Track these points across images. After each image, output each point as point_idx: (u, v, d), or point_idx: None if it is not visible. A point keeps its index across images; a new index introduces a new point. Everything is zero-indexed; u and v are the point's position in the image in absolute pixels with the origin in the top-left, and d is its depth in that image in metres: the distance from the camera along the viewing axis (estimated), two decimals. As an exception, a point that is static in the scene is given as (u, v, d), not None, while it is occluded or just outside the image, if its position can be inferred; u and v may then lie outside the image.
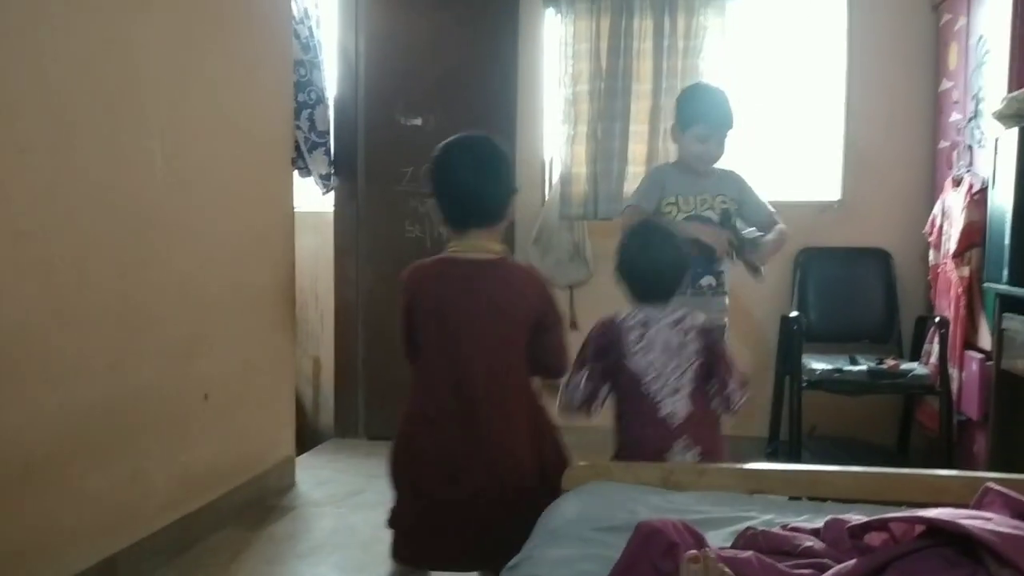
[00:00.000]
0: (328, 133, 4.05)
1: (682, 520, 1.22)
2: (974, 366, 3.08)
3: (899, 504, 1.48)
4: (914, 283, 3.76)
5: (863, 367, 3.29)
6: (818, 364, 3.33)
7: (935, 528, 1.05)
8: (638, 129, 3.82)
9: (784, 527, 1.30)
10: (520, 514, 1.67)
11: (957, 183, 3.29)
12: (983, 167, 3.05)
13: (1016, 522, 1.08)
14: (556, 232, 4.02)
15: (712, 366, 1.91)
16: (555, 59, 3.96)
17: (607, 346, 1.93)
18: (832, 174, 3.94)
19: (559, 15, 3.93)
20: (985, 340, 3.02)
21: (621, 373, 1.92)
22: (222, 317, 2.92)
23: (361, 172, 4.13)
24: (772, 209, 2.71)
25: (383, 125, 4.08)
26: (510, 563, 1.34)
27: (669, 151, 3.42)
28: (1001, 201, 2.70)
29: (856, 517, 1.22)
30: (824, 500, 1.60)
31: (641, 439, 1.90)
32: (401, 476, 1.85)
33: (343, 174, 4.13)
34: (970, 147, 3.24)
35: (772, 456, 3.62)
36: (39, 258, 2.12)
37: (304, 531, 2.97)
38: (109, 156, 2.36)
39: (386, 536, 1.88)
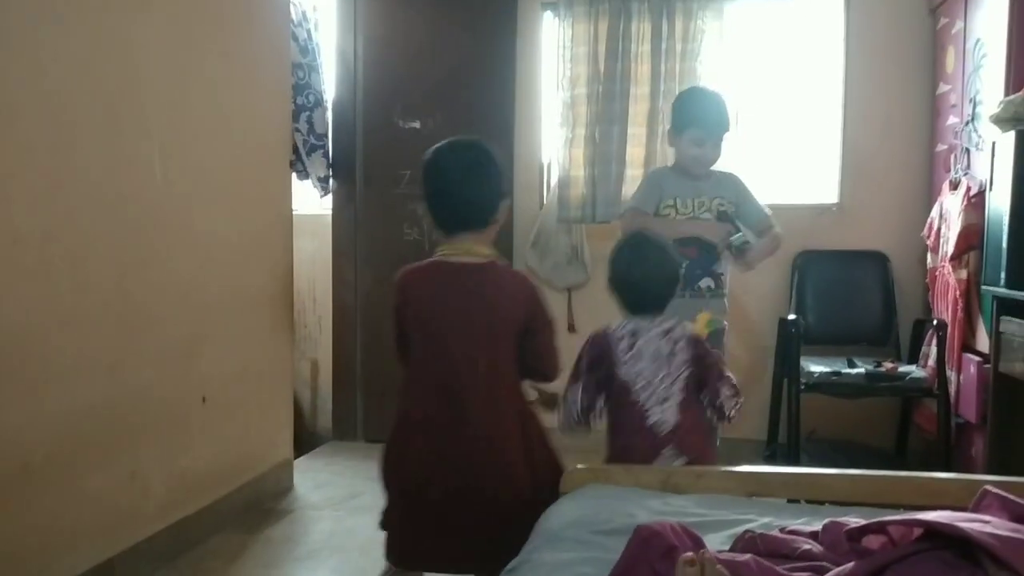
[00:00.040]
0: (326, 136, 4.05)
1: (681, 523, 1.22)
2: (972, 369, 3.08)
3: (897, 507, 1.48)
4: (912, 286, 3.76)
5: (861, 370, 3.29)
6: (816, 367, 3.33)
7: (933, 531, 1.06)
8: (636, 132, 3.83)
9: (782, 530, 1.30)
10: (511, 518, 1.68)
11: (955, 186, 3.30)
12: (980, 170, 3.05)
13: (1014, 525, 1.08)
14: (554, 235, 4.03)
15: (702, 376, 1.92)
16: (553, 62, 3.96)
17: (600, 357, 1.95)
18: (830, 177, 3.94)
19: (557, 18, 3.94)
20: (983, 343, 3.02)
21: (613, 382, 1.94)
22: (221, 319, 2.92)
23: (359, 175, 4.13)
24: (768, 213, 2.72)
25: (381, 128, 4.08)
26: (508, 566, 1.34)
27: (667, 154, 3.43)
28: (999, 204, 2.71)
29: (854, 520, 1.22)
30: (822, 503, 1.61)
31: (629, 446, 1.91)
32: (390, 477, 1.87)
33: (341, 177, 4.13)
34: (967, 150, 3.24)
35: (770, 459, 3.61)
36: (38, 259, 2.12)
37: (302, 534, 2.96)
38: (108, 157, 2.36)
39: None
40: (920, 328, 3.57)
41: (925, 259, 3.61)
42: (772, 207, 2.74)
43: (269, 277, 3.28)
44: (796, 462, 3.30)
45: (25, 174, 2.07)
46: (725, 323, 2.64)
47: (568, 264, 4.02)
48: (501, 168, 1.86)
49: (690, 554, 1.04)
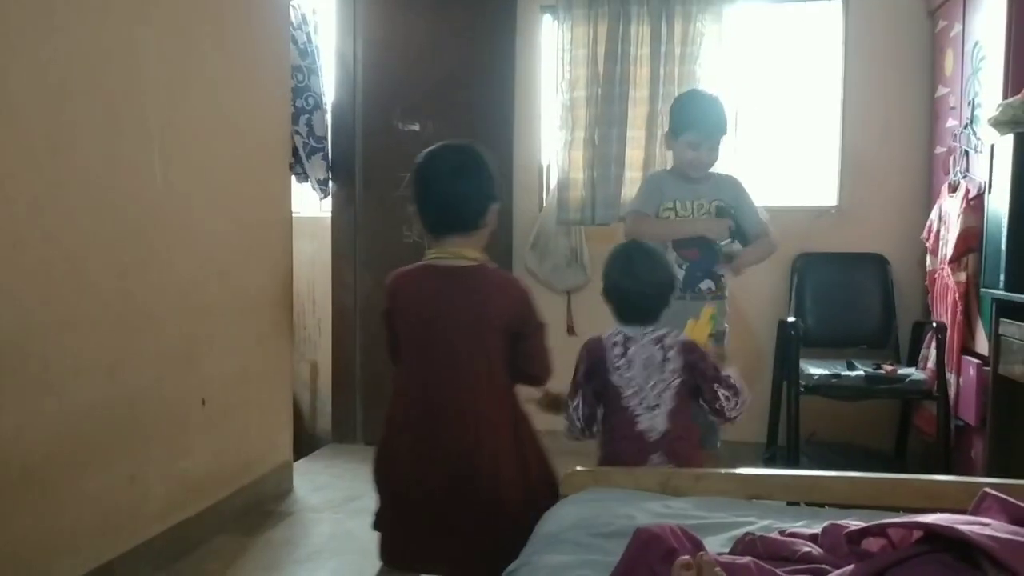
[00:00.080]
0: (326, 138, 4.05)
1: (680, 526, 1.22)
2: (971, 371, 3.08)
3: (897, 509, 1.48)
4: (911, 288, 3.77)
5: (860, 372, 3.29)
6: (815, 369, 3.34)
7: (933, 533, 1.06)
8: (635, 135, 3.83)
9: (782, 533, 1.30)
10: (502, 520, 1.68)
11: (954, 189, 3.30)
12: (979, 173, 3.06)
13: (1014, 527, 1.08)
14: (553, 237, 4.03)
15: (696, 383, 1.92)
16: (552, 65, 3.96)
17: (595, 364, 1.96)
18: (829, 180, 3.95)
19: (556, 21, 3.94)
20: (982, 345, 3.02)
21: (607, 389, 1.94)
22: (220, 321, 2.92)
23: (359, 177, 4.13)
24: (765, 218, 2.72)
25: (381, 131, 4.08)
26: (508, 569, 1.34)
27: (666, 157, 3.43)
28: (998, 207, 2.71)
29: (854, 523, 1.22)
30: (822, 505, 1.60)
31: (618, 452, 1.91)
32: (381, 479, 1.88)
33: (341, 179, 4.13)
34: (966, 153, 3.25)
35: (770, 461, 3.61)
36: (38, 260, 2.12)
37: (302, 536, 2.96)
38: (108, 159, 2.36)
39: (383, 541, 1.90)
40: (919, 330, 3.57)
41: (924, 261, 3.62)
42: (771, 209, 2.74)
43: (269, 279, 3.28)
44: (796, 465, 3.30)
45: (25, 174, 2.08)
46: (726, 326, 2.64)
47: (567, 266, 4.02)
48: (491, 172, 1.85)
49: (687, 557, 1.04)
